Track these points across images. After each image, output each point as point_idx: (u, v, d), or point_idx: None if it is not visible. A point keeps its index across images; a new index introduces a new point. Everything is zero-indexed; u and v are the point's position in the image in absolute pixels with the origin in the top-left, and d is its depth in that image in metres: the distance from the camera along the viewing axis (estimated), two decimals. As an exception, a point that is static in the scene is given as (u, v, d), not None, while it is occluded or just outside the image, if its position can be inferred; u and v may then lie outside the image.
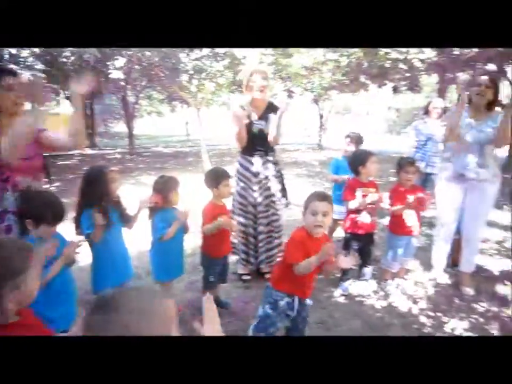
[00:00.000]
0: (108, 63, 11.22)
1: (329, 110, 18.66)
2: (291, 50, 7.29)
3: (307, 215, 2.18)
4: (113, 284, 2.32)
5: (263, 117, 3.30)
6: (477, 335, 2.75)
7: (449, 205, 3.38)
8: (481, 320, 2.96)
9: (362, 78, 9.19)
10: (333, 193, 3.84)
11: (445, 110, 4.99)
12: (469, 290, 3.38)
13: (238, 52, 8.01)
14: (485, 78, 3.13)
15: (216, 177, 2.81)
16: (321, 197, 2.17)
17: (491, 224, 4.84)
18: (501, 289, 3.47)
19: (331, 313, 3.01)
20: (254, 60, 7.59)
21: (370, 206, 3.16)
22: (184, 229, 2.80)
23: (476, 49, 6.61)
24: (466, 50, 6.54)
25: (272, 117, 3.28)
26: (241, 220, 3.37)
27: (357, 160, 3.19)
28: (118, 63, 11.51)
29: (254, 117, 3.29)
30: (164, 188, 2.67)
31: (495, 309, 3.12)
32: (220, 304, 3.03)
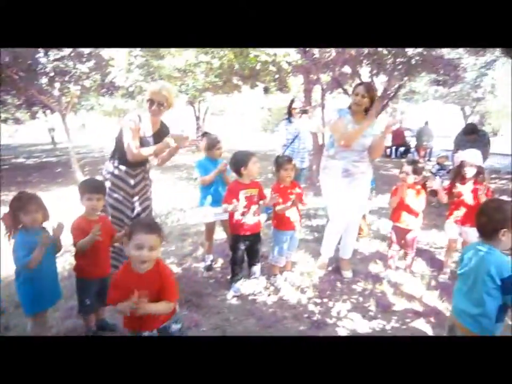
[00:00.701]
0: None
1: (205, 111, 18.76)
2: (162, 51, 7.10)
3: (131, 248, 1.90)
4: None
5: (155, 135, 3.15)
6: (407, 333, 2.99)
7: (339, 198, 3.58)
8: (361, 299, 3.25)
9: (235, 80, 9.40)
10: (202, 195, 3.75)
11: (304, 111, 5.34)
12: (348, 273, 3.68)
13: (105, 52, 7.49)
14: (361, 88, 3.40)
15: (81, 191, 2.57)
16: (149, 229, 1.91)
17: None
18: (373, 268, 3.86)
19: (226, 316, 2.99)
20: (123, 61, 7.19)
21: (254, 206, 3.23)
22: (55, 249, 2.48)
23: (334, 53, 7.27)
24: (326, 54, 7.15)
25: (163, 138, 3.15)
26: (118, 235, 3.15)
27: (238, 162, 3.20)
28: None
29: (148, 133, 3.12)
30: (20, 206, 2.32)
31: (370, 286, 3.46)
32: (105, 327, 2.77)
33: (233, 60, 6.13)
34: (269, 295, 3.32)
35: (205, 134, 3.93)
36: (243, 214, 3.19)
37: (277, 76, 8.21)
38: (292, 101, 5.41)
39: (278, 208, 3.34)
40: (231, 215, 3.23)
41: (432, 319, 2.92)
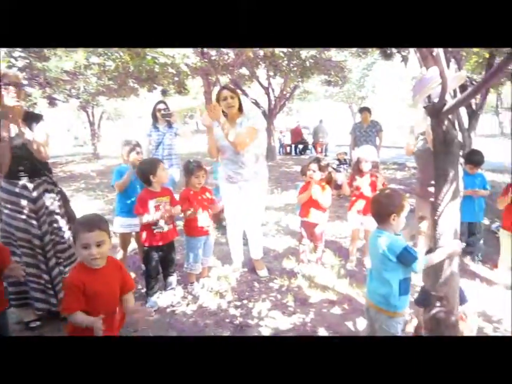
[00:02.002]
0: None
1: (100, 116, 17.70)
2: (46, 52, 6.45)
3: (78, 249, 1.91)
4: None
5: (25, 128, 2.68)
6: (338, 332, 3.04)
7: (231, 203, 3.67)
8: (279, 296, 3.32)
9: (131, 83, 9.01)
10: (119, 204, 3.57)
11: (168, 114, 4.78)
12: (264, 272, 3.74)
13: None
14: (225, 91, 3.46)
15: None
16: (91, 226, 1.89)
17: (268, 208, 5.52)
18: (287, 264, 3.98)
19: (145, 332, 2.82)
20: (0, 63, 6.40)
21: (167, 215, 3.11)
22: None
23: (232, 55, 7.36)
24: (224, 56, 7.20)
25: (34, 127, 2.77)
26: (29, 259, 2.74)
27: (146, 170, 3.05)
28: None
29: (14, 130, 2.71)
30: None
31: (286, 282, 3.56)
32: None
33: (129, 62, 5.83)
34: (187, 304, 3.22)
35: (126, 142, 3.65)
36: (155, 223, 3.05)
37: (175, 79, 8.03)
38: (156, 104, 4.93)
39: (188, 213, 3.26)
40: (143, 225, 3.07)
41: (346, 306, 3.10)
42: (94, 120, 16.74)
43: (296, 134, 15.57)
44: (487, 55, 6.38)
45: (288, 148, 16.01)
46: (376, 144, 6.79)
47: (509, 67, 6.79)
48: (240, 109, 3.51)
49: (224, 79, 11.25)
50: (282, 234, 4.97)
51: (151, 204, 3.01)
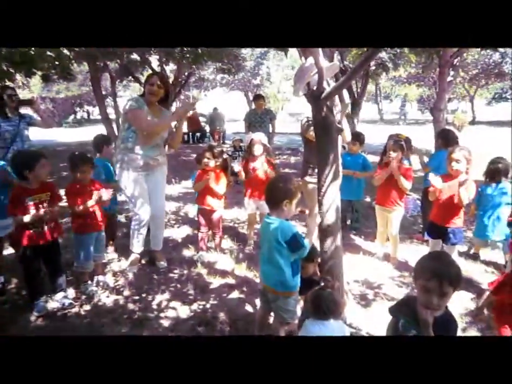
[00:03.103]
0: None
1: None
2: None
3: None
4: None
5: None
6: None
7: (139, 191, 3.46)
8: (179, 285, 3.31)
9: (4, 66, 8.02)
10: None
11: (24, 101, 4.04)
12: (163, 264, 3.68)
13: None
14: (156, 78, 3.34)
15: None
16: None
17: (166, 198, 5.40)
18: (187, 253, 3.97)
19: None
20: None
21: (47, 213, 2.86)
22: None
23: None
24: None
25: None
26: None
27: (22, 164, 2.74)
28: None
29: None
30: None
31: (186, 271, 3.55)
32: None
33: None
34: (81, 305, 3.03)
35: None
36: (33, 223, 2.78)
37: (57, 63, 7.31)
38: (3, 88, 4.02)
39: (82, 208, 3.05)
40: (18, 225, 2.78)
41: (245, 289, 3.21)
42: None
43: (193, 122, 15.40)
44: (365, 48, 7.01)
45: (185, 136, 15.78)
46: (270, 131, 7.06)
47: (378, 57, 7.54)
48: (165, 102, 3.45)
49: (113, 65, 10.62)
50: (180, 224, 4.93)
51: (28, 202, 2.73)
